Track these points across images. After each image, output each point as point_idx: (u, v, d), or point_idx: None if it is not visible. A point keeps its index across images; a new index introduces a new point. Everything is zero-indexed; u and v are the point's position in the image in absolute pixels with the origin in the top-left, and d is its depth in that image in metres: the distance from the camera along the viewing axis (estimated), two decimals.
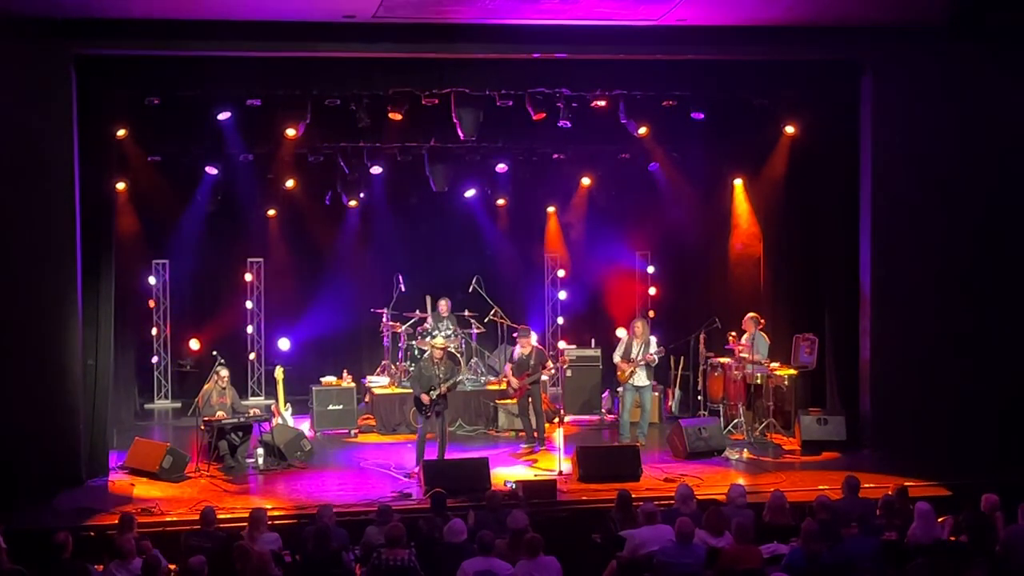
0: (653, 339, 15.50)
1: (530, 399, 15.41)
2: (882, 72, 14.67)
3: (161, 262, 19.04)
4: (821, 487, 12.61)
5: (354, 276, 19.39)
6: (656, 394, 16.53)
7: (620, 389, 15.81)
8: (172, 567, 9.53)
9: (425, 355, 14.84)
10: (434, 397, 13.88)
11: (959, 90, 14.49)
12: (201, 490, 13.29)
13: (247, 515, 10.63)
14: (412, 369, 15.14)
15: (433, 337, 15.63)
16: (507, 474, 13.64)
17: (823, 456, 14.79)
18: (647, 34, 13.93)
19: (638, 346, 15.33)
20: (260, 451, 14.40)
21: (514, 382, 15.36)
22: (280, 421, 15.08)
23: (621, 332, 17.20)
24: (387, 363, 17.88)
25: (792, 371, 15.87)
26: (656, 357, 15.43)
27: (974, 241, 14.59)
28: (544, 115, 15.20)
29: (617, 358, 15.52)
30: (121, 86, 14.14)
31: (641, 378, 15.36)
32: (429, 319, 17.49)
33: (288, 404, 15.59)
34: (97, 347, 13.97)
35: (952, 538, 10.04)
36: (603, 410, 17.55)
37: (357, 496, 12.89)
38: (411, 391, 14.57)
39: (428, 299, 17.73)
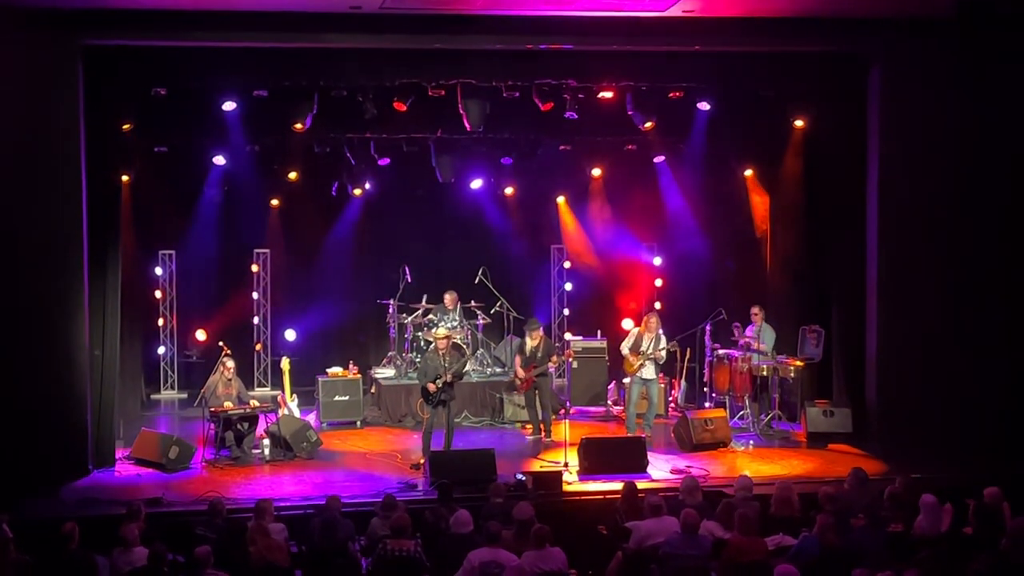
0: (663, 334, 15.49)
1: (536, 391, 15.42)
2: (890, 65, 14.63)
3: (167, 252, 19.06)
4: (827, 479, 12.60)
5: (360, 267, 19.41)
6: (662, 386, 16.54)
7: (626, 381, 15.80)
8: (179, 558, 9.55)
9: (430, 347, 14.86)
10: (440, 386, 13.88)
11: (968, 83, 14.44)
12: (207, 481, 13.32)
13: (253, 506, 10.66)
14: (419, 360, 15.19)
15: (436, 328, 15.62)
16: (512, 466, 13.65)
17: (829, 448, 14.79)
18: (654, 25, 13.91)
19: (648, 340, 15.29)
20: (266, 442, 14.44)
21: (521, 374, 15.37)
22: (286, 412, 15.10)
23: (627, 323, 17.19)
24: (393, 354, 17.90)
25: (798, 363, 15.86)
26: (664, 354, 15.41)
27: (981, 233, 14.56)
28: (551, 106, 15.20)
29: (625, 350, 15.49)
30: (128, 77, 14.15)
31: (649, 371, 15.32)
32: (423, 310, 17.56)
33: (294, 395, 15.62)
34: (104, 338, 14.02)
35: (961, 530, 10.05)
36: (609, 402, 17.55)
37: (363, 487, 12.92)
38: (417, 382, 14.58)
39: (424, 298, 17.77)
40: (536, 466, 13.86)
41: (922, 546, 9.38)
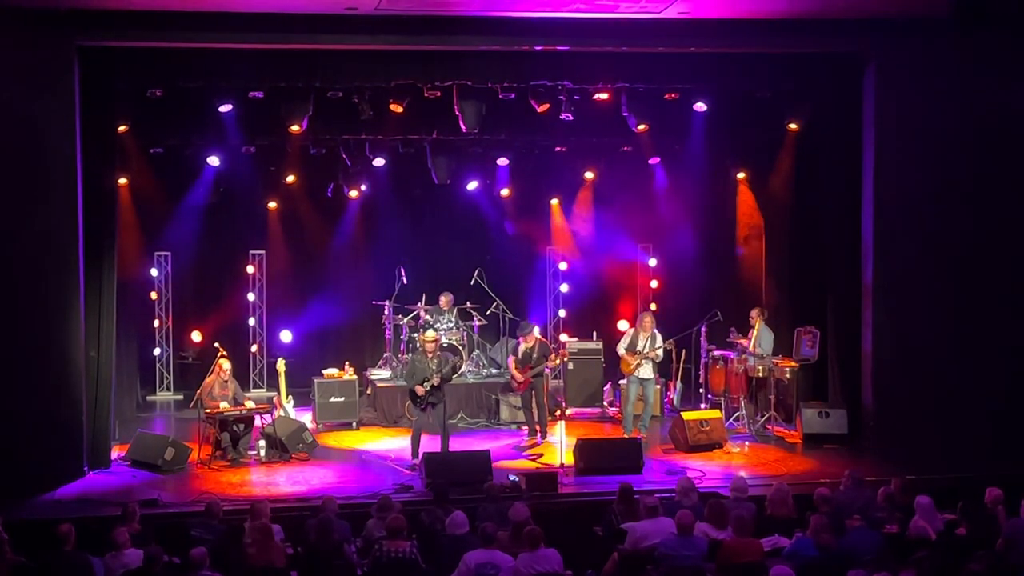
0: (658, 333, 15.52)
1: (533, 392, 15.42)
2: (885, 64, 14.63)
3: (163, 254, 19.03)
4: (822, 480, 12.60)
5: (356, 268, 19.40)
6: (658, 387, 16.57)
7: (623, 381, 15.82)
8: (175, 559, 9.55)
9: (418, 349, 14.87)
10: (428, 388, 13.87)
11: (963, 82, 14.44)
12: (203, 482, 13.31)
13: (249, 507, 10.66)
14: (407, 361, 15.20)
15: (424, 331, 15.63)
16: (509, 467, 13.64)
17: (825, 449, 14.79)
18: (649, 27, 13.92)
19: (644, 339, 15.33)
20: (262, 443, 14.43)
21: (517, 376, 15.36)
22: (282, 413, 15.09)
23: (623, 325, 17.22)
24: (389, 355, 17.90)
25: (794, 364, 15.87)
26: (661, 352, 15.44)
27: (977, 233, 14.56)
28: (547, 108, 15.21)
29: (622, 350, 15.52)
30: (124, 78, 14.15)
31: (646, 371, 15.37)
32: (422, 313, 17.55)
33: (290, 396, 15.61)
34: (99, 339, 13.99)
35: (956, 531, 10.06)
36: (605, 403, 17.54)
37: (359, 488, 12.92)
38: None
39: (421, 299, 17.77)
40: (532, 467, 13.86)
41: (918, 547, 9.40)
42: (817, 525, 9.42)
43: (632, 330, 15.67)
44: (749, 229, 17.94)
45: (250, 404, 14.91)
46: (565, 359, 16.48)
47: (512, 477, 12.76)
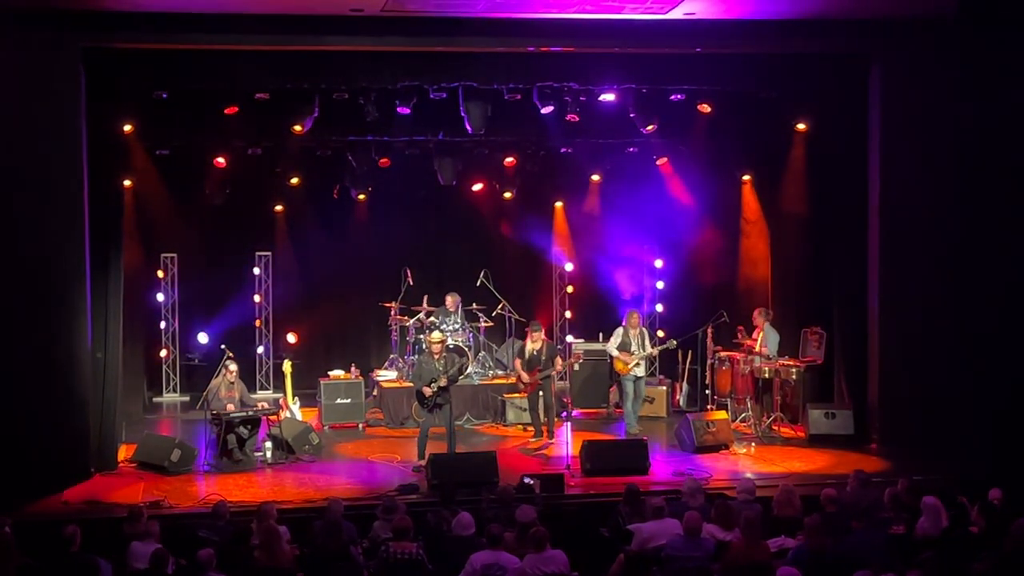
0: (646, 331, 15.61)
1: (540, 393, 15.42)
2: (891, 65, 14.65)
3: (169, 255, 19.06)
4: (829, 481, 12.59)
5: (362, 269, 19.41)
6: (664, 388, 16.54)
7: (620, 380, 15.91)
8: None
9: (425, 350, 14.89)
10: (435, 389, 13.87)
11: (968, 82, 14.43)
12: (209, 484, 13.32)
13: (256, 509, 10.66)
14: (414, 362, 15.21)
15: (433, 331, 15.65)
16: (515, 468, 13.63)
17: (831, 450, 14.77)
18: (655, 28, 13.94)
19: (635, 338, 15.40)
20: (268, 444, 14.43)
21: (525, 377, 15.35)
22: (288, 415, 15.10)
23: None
24: (395, 357, 17.90)
25: (800, 365, 15.84)
26: (656, 352, 15.51)
27: (983, 233, 14.55)
28: (552, 109, 15.21)
29: (613, 350, 15.60)
30: (129, 79, 14.16)
31: (641, 369, 15.54)
32: (424, 313, 17.57)
33: (296, 398, 15.61)
34: (106, 341, 14.01)
35: (962, 530, 10.04)
36: (611, 403, 17.53)
37: (365, 490, 12.92)
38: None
39: (426, 300, 17.76)
40: (538, 469, 13.86)
41: (924, 547, 9.38)
42: (810, 528, 9.37)
43: (621, 329, 15.74)
44: (755, 229, 17.91)
45: (263, 404, 14.92)
46: (578, 363, 16.37)
47: (527, 479, 12.72)
